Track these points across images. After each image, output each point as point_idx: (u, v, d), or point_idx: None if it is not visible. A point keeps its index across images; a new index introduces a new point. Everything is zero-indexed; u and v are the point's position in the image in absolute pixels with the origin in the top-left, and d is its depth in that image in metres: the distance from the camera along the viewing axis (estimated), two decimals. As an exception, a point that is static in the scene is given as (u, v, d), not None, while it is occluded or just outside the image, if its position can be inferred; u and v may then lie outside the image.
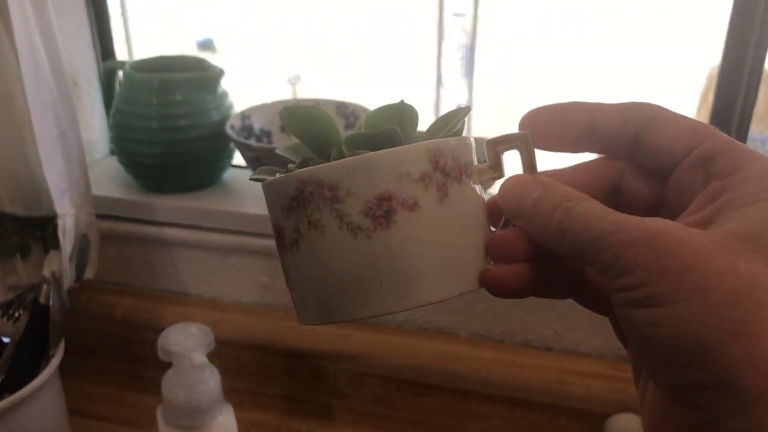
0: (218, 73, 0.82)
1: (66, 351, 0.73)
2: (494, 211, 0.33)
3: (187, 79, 0.81)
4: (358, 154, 0.31)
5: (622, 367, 0.76)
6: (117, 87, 0.87)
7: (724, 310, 0.23)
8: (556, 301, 0.76)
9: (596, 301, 0.33)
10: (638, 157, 0.31)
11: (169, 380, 0.65)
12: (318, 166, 0.31)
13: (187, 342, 0.64)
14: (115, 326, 0.88)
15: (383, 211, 0.30)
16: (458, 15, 3.48)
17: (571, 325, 0.78)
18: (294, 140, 0.34)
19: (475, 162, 0.33)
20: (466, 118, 0.34)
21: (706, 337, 0.23)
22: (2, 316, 0.76)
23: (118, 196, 0.86)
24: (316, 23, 4.83)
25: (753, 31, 0.68)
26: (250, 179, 0.36)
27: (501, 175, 0.33)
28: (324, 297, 0.31)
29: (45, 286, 0.70)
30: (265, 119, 0.87)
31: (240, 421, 0.82)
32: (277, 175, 0.32)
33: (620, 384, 0.74)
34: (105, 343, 0.89)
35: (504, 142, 0.33)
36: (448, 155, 0.31)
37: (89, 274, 0.80)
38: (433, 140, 0.31)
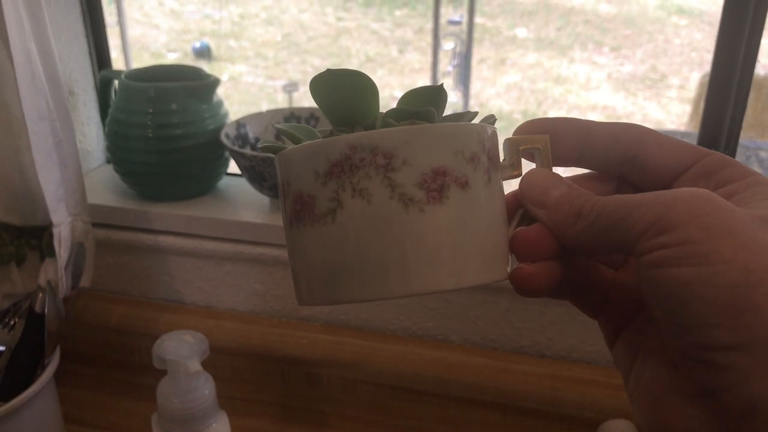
0: (213, 83, 0.83)
1: (61, 359, 0.73)
2: (508, 207, 0.34)
3: (183, 89, 0.81)
4: (415, 125, 0.30)
5: (614, 374, 0.77)
6: (113, 96, 0.87)
7: (764, 275, 0.24)
8: (549, 308, 0.77)
9: (593, 302, 0.34)
10: (630, 174, 0.32)
11: (164, 388, 0.65)
12: (375, 131, 0.29)
13: (181, 350, 0.64)
14: (110, 334, 0.88)
15: (437, 185, 0.29)
16: (454, 23, 3.49)
17: (564, 331, 0.78)
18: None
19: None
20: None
21: (743, 299, 0.24)
22: (-3, 325, 0.77)
23: (114, 204, 0.87)
24: (311, 33, 4.85)
25: (743, 39, 0.69)
26: (259, 147, 0.35)
27: (519, 174, 0.33)
28: (350, 273, 0.30)
29: (40, 295, 0.70)
30: (260, 128, 0.88)
31: (234, 428, 0.82)
32: (316, 139, 0.31)
33: (613, 390, 0.75)
34: (100, 351, 0.89)
35: (526, 143, 0.33)
36: (491, 142, 0.32)
37: (85, 282, 0.80)
38: (482, 125, 0.31)
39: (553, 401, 0.75)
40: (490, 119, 0.34)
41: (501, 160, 0.33)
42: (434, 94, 0.31)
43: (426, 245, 0.29)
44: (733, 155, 0.75)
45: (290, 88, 4.47)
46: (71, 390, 0.87)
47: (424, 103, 0.31)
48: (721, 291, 0.24)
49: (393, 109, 0.31)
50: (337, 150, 0.29)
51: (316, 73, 0.31)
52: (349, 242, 0.29)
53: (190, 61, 4.74)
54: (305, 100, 4.38)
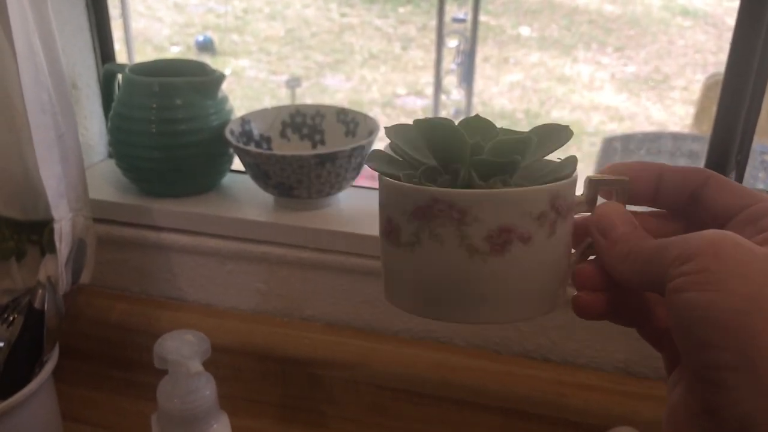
0: (219, 78, 0.82)
1: (60, 355, 0.73)
2: (576, 232, 0.38)
3: (188, 84, 0.80)
4: (491, 186, 0.35)
5: (620, 380, 0.76)
6: (116, 90, 0.86)
7: (764, 303, 0.27)
8: (554, 311, 0.76)
9: (653, 335, 0.38)
10: (695, 214, 0.36)
11: (164, 388, 0.65)
12: (454, 190, 0.34)
13: (182, 350, 0.64)
14: (111, 331, 0.87)
15: (502, 240, 0.34)
16: (458, 20, 3.48)
17: (569, 335, 0.77)
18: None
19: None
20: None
21: (745, 323, 0.27)
22: (-4, 320, 0.76)
23: (116, 200, 0.86)
24: (314, 28, 4.83)
25: (758, 43, 0.68)
26: (366, 164, 0.42)
27: (591, 211, 0.38)
28: (424, 295, 0.36)
29: (40, 291, 0.69)
30: (265, 125, 0.87)
31: (235, 429, 0.81)
32: (408, 181, 0.36)
33: (619, 397, 0.74)
34: (100, 348, 0.88)
35: (605, 184, 0.37)
36: (564, 196, 0.36)
37: (85, 278, 0.79)
38: (556, 185, 0.35)
39: (557, 406, 0.74)
40: (572, 164, 0.37)
41: (578, 195, 0.38)
42: (524, 144, 0.36)
43: (484, 287, 0.35)
44: (746, 161, 0.74)
45: (293, 83, 4.46)
46: (70, 387, 0.86)
47: (514, 151, 0.35)
48: (726, 315, 0.27)
49: (480, 159, 0.35)
50: (422, 198, 0.35)
51: (418, 119, 0.36)
52: (421, 272, 0.36)
53: (192, 54, 4.73)
54: (307, 96, 4.37)
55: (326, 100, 4.23)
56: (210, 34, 4.89)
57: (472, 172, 0.35)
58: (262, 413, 0.84)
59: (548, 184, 0.35)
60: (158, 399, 0.65)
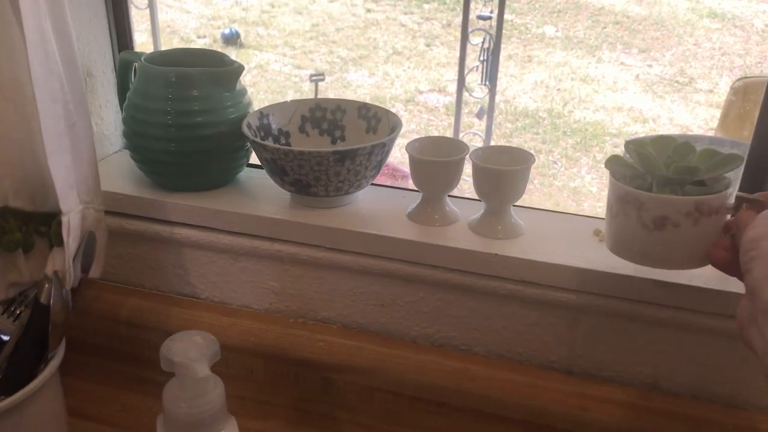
0: (237, 69, 0.79)
1: (69, 349, 0.70)
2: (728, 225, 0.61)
3: (205, 74, 0.78)
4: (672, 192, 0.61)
5: (647, 396, 0.72)
6: (132, 79, 0.84)
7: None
8: (580, 322, 0.73)
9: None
10: None
11: (170, 391, 0.62)
12: (641, 191, 0.61)
13: (190, 352, 0.61)
14: (121, 326, 0.85)
15: (660, 223, 0.60)
16: (483, 17, 3.44)
17: (596, 348, 0.74)
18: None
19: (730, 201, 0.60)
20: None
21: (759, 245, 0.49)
22: (3, 313, 0.74)
23: (129, 192, 0.83)
24: (339, 23, 4.82)
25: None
26: (606, 167, 0.65)
27: (734, 215, 0.60)
28: (632, 251, 0.64)
29: (46, 286, 0.67)
30: (284, 119, 0.84)
31: (245, 431, 0.79)
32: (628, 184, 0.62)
33: (646, 414, 0.70)
34: (109, 343, 0.86)
35: (750, 201, 0.58)
36: (708, 204, 0.59)
37: (95, 273, 0.77)
38: (701, 198, 0.59)
39: (580, 421, 0.71)
40: (735, 161, 0.61)
41: (729, 203, 0.60)
42: (726, 161, 0.61)
43: (649, 248, 0.62)
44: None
45: (317, 77, 4.44)
46: (77, 381, 0.84)
47: (715, 165, 0.61)
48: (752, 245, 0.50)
49: (675, 167, 0.61)
50: (621, 190, 0.62)
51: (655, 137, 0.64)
52: (632, 239, 0.63)
53: (218, 47, 4.73)
54: (330, 90, 4.35)
55: (349, 95, 4.21)
56: (236, 27, 4.89)
57: (668, 176, 0.61)
58: (273, 416, 0.81)
59: (694, 197, 0.59)
60: (164, 402, 0.62)
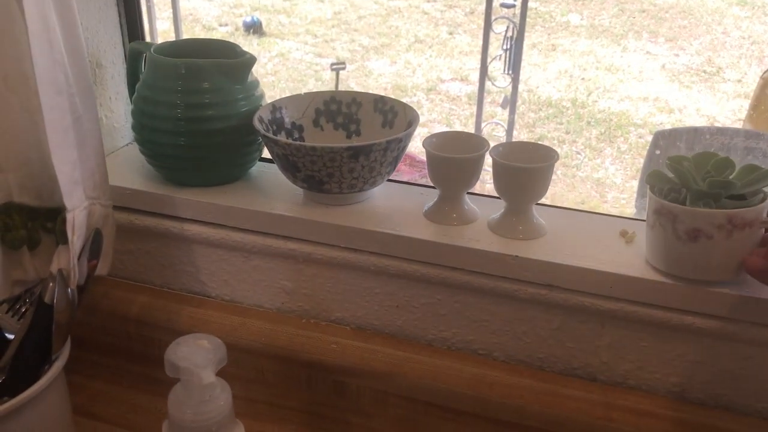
0: (249, 61, 0.76)
1: (77, 347, 0.69)
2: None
3: (216, 66, 0.75)
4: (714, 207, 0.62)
5: (674, 406, 0.69)
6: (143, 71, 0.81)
7: None
8: (605, 329, 0.69)
9: None
10: None
11: (175, 396, 0.60)
12: (674, 204, 0.63)
13: (196, 357, 0.58)
14: (130, 324, 0.83)
15: (694, 234, 0.62)
16: (507, 5, 3.38)
17: (621, 355, 0.70)
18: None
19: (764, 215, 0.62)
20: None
21: None
22: (7, 312, 0.72)
23: (139, 187, 0.81)
24: (361, 11, 4.78)
25: None
26: (646, 182, 0.68)
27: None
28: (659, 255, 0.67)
29: (51, 285, 0.65)
30: (297, 112, 0.81)
31: (255, 434, 0.77)
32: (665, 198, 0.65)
33: (672, 425, 0.67)
34: (118, 341, 0.84)
35: None
36: (741, 216, 0.60)
37: (102, 270, 0.75)
38: (737, 210, 0.60)
39: (604, 432, 0.68)
40: (760, 200, 0.62)
41: (764, 217, 0.62)
42: (763, 175, 0.62)
43: (684, 259, 0.64)
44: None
45: (338, 66, 4.40)
46: (86, 380, 0.83)
47: (749, 183, 0.62)
48: None
49: (710, 181, 0.63)
50: (657, 203, 0.65)
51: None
52: (668, 250, 0.65)
53: (240, 35, 4.71)
54: (351, 79, 4.31)
55: (371, 84, 4.17)
56: (258, 15, 4.87)
57: (702, 189, 0.63)
58: (284, 419, 0.79)
59: (727, 210, 0.61)
60: (169, 408, 0.60)
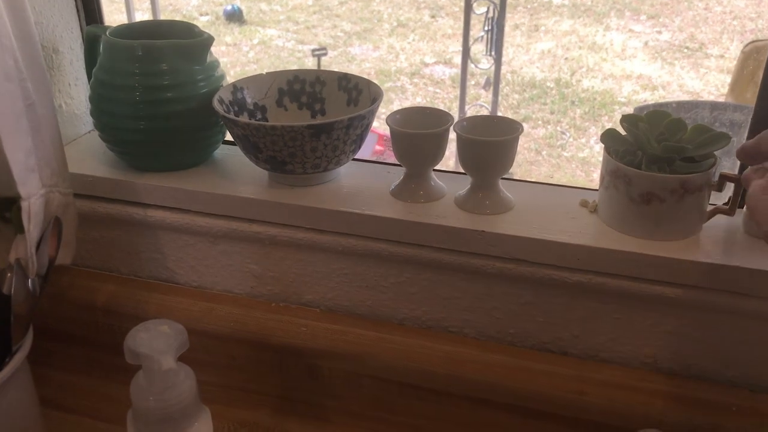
0: (206, 41, 0.74)
1: (44, 338, 0.68)
2: None
3: (173, 47, 0.73)
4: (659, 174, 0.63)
5: (648, 377, 0.68)
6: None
7: None
8: (576, 302, 0.69)
9: None
10: None
11: (137, 384, 0.58)
12: (627, 167, 0.64)
13: (156, 343, 0.57)
14: (97, 313, 0.81)
15: (647, 198, 0.63)
16: (487, -14, 3.36)
17: (593, 328, 0.70)
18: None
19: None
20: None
21: None
22: (-34, 304, 0.70)
23: (101, 174, 0.79)
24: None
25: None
26: (601, 141, 0.67)
27: (720, 190, 0.65)
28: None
29: (8, 275, 0.63)
30: (260, 92, 0.79)
31: (229, 420, 0.76)
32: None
33: (646, 396, 0.66)
34: (85, 331, 0.82)
35: (732, 179, 0.63)
36: (693, 182, 0.62)
37: (65, 259, 0.73)
38: (689, 176, 0.62)
39: (577, 406, 0.67)
40: (711, 165, 0.64)
41: (714, 180, 0.64)
42: (716, 139, 0.64)
43: (636, 220, 0.65)
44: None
45: (319, 52, 4.37)
46: (53, 372, 0.81)
47: (703, 143, 0.64)
48: None
49: (664, 146, 0.64)
50: (612, 165, 0.65)
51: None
52: (621, 211, 0.66)
53: (221, 24, 4.68)
54: (334, 65, 4.29)
55: (354, 69, 4.15)
56: (238, 3, 4.83)
57: (657, 153, 0.64)
58: (258, 404, 0.78)
59: (679, 175, 0.62)
60: (132, 396, 0.59)
